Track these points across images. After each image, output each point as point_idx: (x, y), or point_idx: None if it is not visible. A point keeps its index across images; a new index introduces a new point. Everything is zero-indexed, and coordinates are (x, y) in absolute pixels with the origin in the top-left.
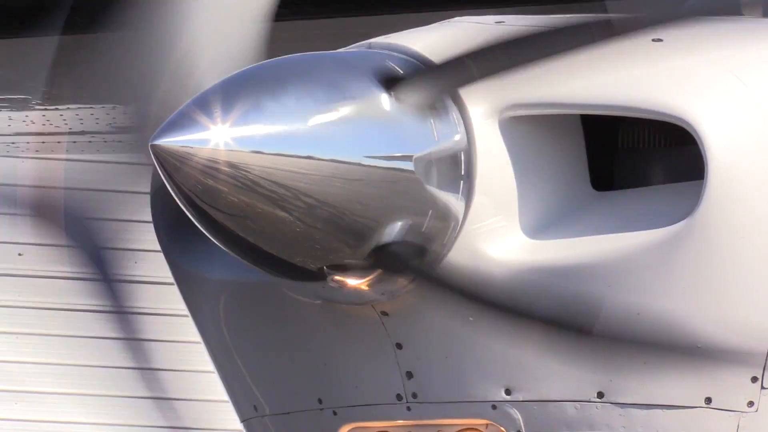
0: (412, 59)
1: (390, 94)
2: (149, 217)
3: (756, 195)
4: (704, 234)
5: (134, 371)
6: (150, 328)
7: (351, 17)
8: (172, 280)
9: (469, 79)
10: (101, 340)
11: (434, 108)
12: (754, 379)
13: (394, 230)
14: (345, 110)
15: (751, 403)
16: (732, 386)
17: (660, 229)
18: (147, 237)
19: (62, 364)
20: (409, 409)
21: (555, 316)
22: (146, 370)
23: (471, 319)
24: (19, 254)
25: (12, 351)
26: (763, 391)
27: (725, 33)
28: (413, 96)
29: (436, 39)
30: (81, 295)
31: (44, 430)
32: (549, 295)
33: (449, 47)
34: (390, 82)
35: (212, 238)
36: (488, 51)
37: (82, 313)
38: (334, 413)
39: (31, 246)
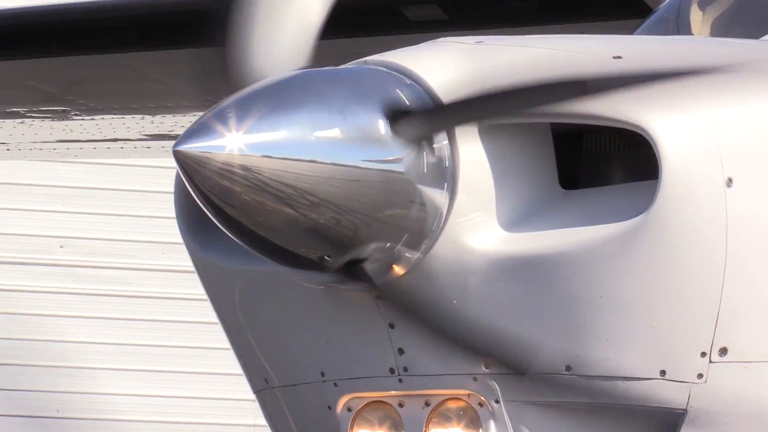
0: (411, 82)
1: (390, 124)
2: (173, 214)
3: (702, 193)
4: (658, 227)
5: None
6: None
7: (349, 38)
8: (193, 268)
9: (461, 123)
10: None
11: (428, 140)
12: (703, 354)
13: (386, 225)
14: (345, 122)
15: (700, 375)
16: (684, 361)
17: (620, 223)
18: (172, 231)
19: (106, 343)
20: (400, 381)
21: (527, 299)
22: None
23: (454, 302)
24: (61, 246)
25: (58, 332)
26: (711, 365)
27: (676, 50)
28: (411, 131)
29: (425, 58)
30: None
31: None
32: (522, 281)
33: (436, 65)
34: (391, 109)
35: (227, 232)
36: (477, 101)
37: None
38: (335, 385)
39: (71, 239)
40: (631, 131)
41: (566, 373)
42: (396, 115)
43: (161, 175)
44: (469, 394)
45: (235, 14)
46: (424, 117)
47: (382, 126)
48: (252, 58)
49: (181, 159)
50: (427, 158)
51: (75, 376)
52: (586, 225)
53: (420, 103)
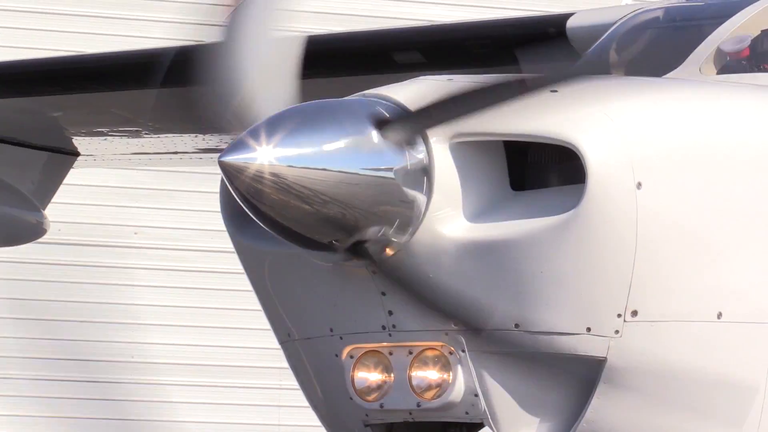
0: (394, 105)
1: (379, 132)
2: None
3: (618, 193)
4: (584, 219)
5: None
6: (219, 281)
7: (352, 76)
8: (233, 249)
9: (434, 124)
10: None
11: (409, 143)
12: (619, 316)
13: (380, 217)
14: (348, 139)
15: (617, 331)
16: (604, 320)
17: (555, 216)
18: (218, 221)
19: (168, 305)
20: (390, 335)
21: (485, 274)
22: None
23: (431, 275)
24: (135, 233)
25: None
26: (624, 323)
27: (599, 86)
28: (395, 135)
29: (409, 90)
30: (178, 259)
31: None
32: (481, 260)
33: (418, 96)
34: (380, 123)
35: (259, 223)
36: (447, 103)
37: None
38: (341, 338)
39: (142, 227)
40: (564, 147)
41: (515, 330)
42: (382, 124)
43: (210, 179)
44: (442, 345)
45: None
46: (402, 122)
47: (375, 136)
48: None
49: (225, 167)
50: (411, 168)
51: (145, 330)
52: (530, 218)
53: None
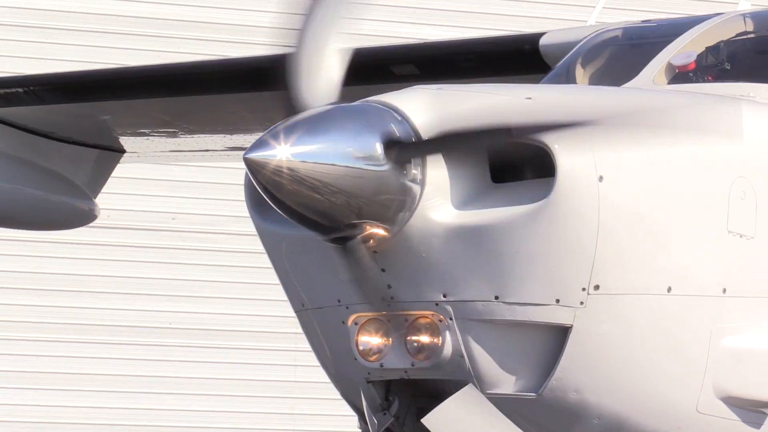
0: (393, 111)
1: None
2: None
3: (583, 185)
4: (554, 207)
5: None
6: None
7: (357, 86)
8: (255, 232)
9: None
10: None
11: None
12: (583, 289)
13: (381, 206)
14: (355, 144)
15: (581, 303)
16: (571, 293)
17: (529, 205)
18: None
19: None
20: (389, 305)
21: (469, 253)
22: None
23: (423, 255)
24: (173, 219)
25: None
26: (588, 296)
27: (566, 92)
28: (397, 155)
29: (405, 97)
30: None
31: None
32: (466, 242)
33: (412, 102)
34: (387, 141)
35: (277, 209)
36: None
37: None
38: (347, 308)
39: (179, 213)
40: (537, 146)
41: (495, 300)
42: (388, 144)
43: (236, 173)
44: (432, 314)
45: (288, 71)
46: (404, 147)
47: (378, 147)
48: (300, 97)
49: (249, 163)
50: (408, 164)
51: (181, 299)
52: (508, 206)
53: (403, 135)
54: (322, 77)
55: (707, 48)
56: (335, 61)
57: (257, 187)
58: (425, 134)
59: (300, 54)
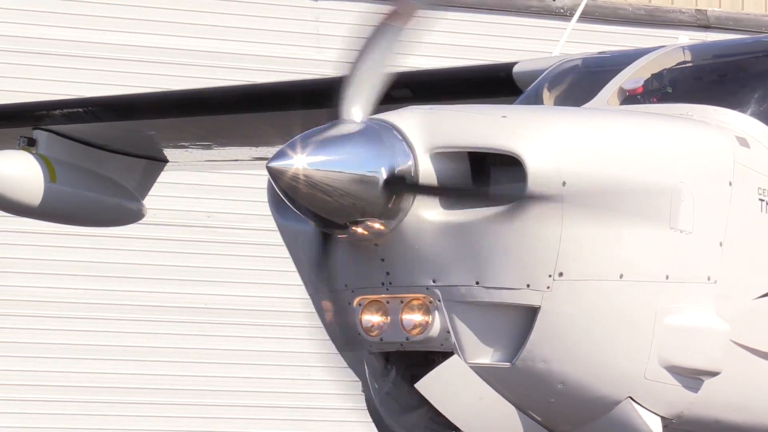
0: (392, 128)
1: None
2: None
3: (549, 188)
4: (525, 207)
5: None
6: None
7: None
8: (276, 228)
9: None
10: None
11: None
12: (549, 276)
13: (381, 206)
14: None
15: (548, 287)
16: (539, 279)
17: (505, 204)
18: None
19: (230, 268)
20: (387, 289)
21: (454, 246)
22: None
23: (416, 247)
24: (208, 216)
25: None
26: (554, 281)
27: (534, 111)
28: (394, 189)
29: (402, 115)
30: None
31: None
32: (451, 236)
33: (408, 119)
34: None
35: (294, 209)
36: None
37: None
38: (352, 291)
39: (213, 212)
40: (511, 156)
41: (476, 285)
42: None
43: (260, 178)
44: (424, 297)
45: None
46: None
47: (380, 157)
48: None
49: (270, 170)
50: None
51: (214, 284)
52: (487, 207)
53: (400, 148)
54: (359, 100)
55: (652, 75)
56: (375, 83)
57: (277, 190)
58: (418, 147)
59: (351, 79)
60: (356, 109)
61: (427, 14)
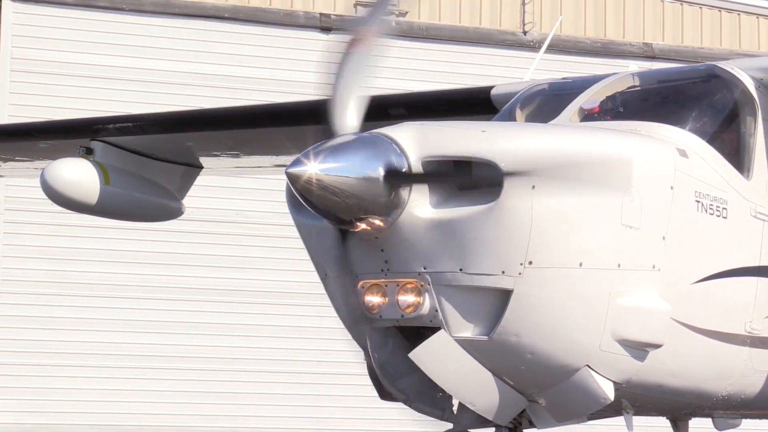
0: (390, 140)
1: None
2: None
3: (521, 192)
4: (501, 207)
5: None
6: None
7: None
8: (293, 223)
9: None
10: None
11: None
12: (521, 264)
13: (381, 205)
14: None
15: (520, 274)
16: (512, 266)
17: (484, 205)
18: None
19: (253, 257)
20: (386, 275)
21: (441, 239)
22: None
23: (408, 239)
24: (236, 213)
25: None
26: (524, 269)
27: (509, 126)
28: (393, 180)
29: (399, 129)
30: (261, 229)
31: None
32: (439, 231)
33: (404, 132)
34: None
35: (309, 207)
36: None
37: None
38: (357, 276)
39: (242, 210)
40: (489, 163)
41: (460, 272)
42: (387, 163)
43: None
44: (416, 281)
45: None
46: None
47: (380, 165)
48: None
49: (289, 175)
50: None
51: (241, 270)
52: (469, 206)
53: (397, 157)
54: (346, 115)
55: (607, 97)
56: (357, 105)
57: (294, 192)
58: (411, 155)
59: (333, 99)
60: (347, 123)
61: (383, 40)
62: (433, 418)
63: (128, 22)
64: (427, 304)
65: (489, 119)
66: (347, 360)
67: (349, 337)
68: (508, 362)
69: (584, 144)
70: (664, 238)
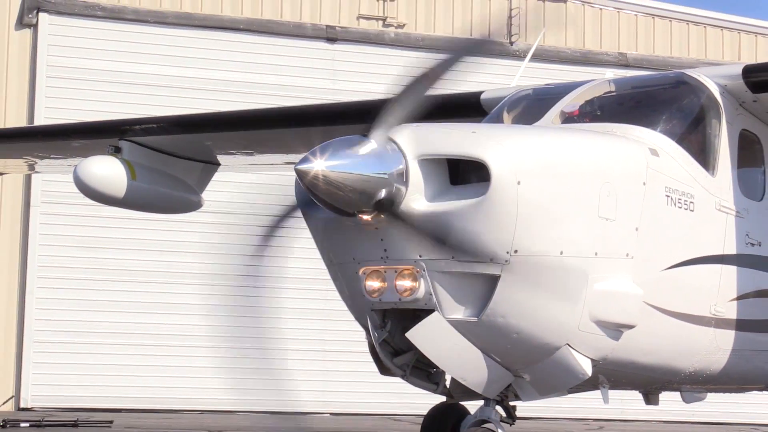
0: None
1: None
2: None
3: (507, 186)
4: (489, 201)
5: None
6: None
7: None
8: (301, 216)
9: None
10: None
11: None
12: (508, 252)
13: (380, 198)
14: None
15: (506, 261)
16: (500, 254)
17: (474, 199)
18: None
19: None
20: (385, 262)
21: (434, 228)
22: None
23: (406, 230)
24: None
25: None
26: (511, 256)
27: (497, 127)
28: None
29: (399, 131)
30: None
31: None
32: (433, 222)
33: (402, 133)
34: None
35: (315, 201)
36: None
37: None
38: (359, 263)
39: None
40: (478, 161)
41: (452, 259)
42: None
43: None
44: (412, 267)
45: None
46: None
47: (381, 162)
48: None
49: (297, 171)
50: (397, 172)
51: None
52: (460, 200)
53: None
54: (388, 121)
55: (586, 101)
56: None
57: (302, 186)
58: (408, 154)
59: (390, 105)
60: (382, 129)
61: (448, 78)
62: (427, 392)
63: (153, 33)
64: (422, 288)
65: (479, 121)
66: (351, 339)
67: (352, 317)
68: (495, 341)
69: (565, 144)
70: (637, 229)
